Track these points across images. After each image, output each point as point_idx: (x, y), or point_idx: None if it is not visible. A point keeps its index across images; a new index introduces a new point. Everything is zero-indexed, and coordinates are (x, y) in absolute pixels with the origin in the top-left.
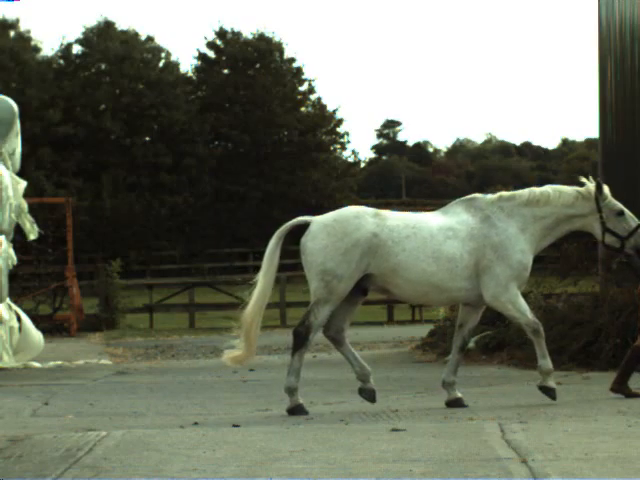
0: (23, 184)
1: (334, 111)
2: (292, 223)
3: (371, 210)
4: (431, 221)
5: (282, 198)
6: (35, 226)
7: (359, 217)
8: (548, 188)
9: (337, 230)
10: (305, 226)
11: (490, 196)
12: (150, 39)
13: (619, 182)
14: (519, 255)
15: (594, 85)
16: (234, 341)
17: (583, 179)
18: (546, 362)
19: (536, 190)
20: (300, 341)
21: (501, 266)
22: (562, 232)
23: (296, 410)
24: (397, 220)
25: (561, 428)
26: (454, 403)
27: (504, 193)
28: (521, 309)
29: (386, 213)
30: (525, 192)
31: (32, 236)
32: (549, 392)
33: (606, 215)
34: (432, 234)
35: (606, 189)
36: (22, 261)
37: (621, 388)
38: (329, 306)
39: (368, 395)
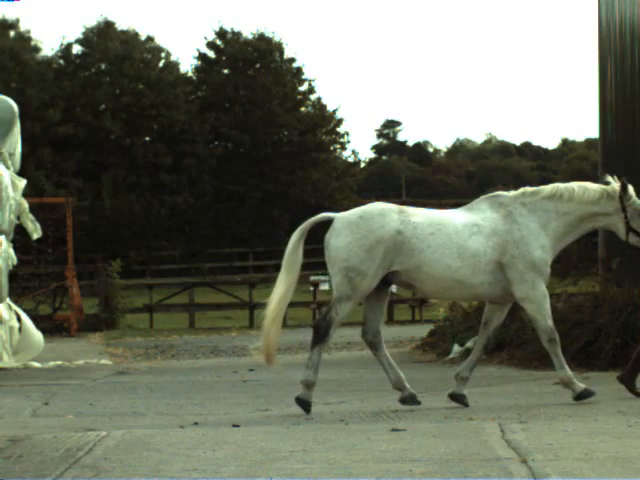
0: (23, 182)
1: (334, 111)
2: (315, 219)
3: (395, 207)
4: (456, 218)
5: (282, 198)
6: (37, 225)
7: (384, 214)
8: (573, 184)
9: (361, 227)
10: (328, 222)
11: (513, 192)
12: (150, 39)
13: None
14: (539, 251)
15: (594, 85)
16: (258, 343)
17: (609, 178)
18: (564, 372)
19: (560, 185)
20: (320, 335)
21: (523, 262)
22: (585, 230)
23: (303, 403)
24: (421, 217)
25: (561, 428)
26: (457, 398)
27: (528, 188)
28: (543, 312)
29: (410, 210)
30: (549, 187)
31: (35, 235)
32: (586, 395)
33: (630, 215)
34: (457, 230)
35: (631, 189)
36: (22, 261)
37: (628, 383)
38: (351, 303)
39: (411, 401)
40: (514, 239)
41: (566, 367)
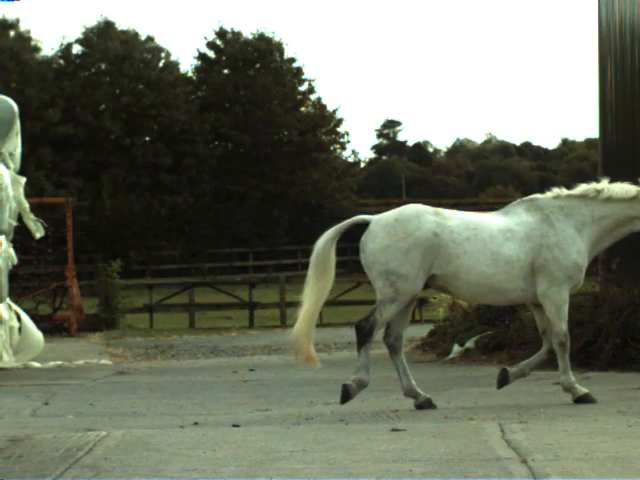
0: (23, 180)
1: (334, 111)
2: (350, 222)
3: (431, 209)
4: (491, 222)
5: (282, 198)
6: (39, 224)
7: (419, 216)
8: (613, 187)
9: (398, 230)
10: (362, 225)
11: (550, 194)
12: (150, 39)
13: (619, 182)
14: (574, 256)
15: (594, 85)
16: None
17: None
18: (567, 377)
19: (597, 186)
20: (363, 335)
21: (556, 266)
22: (622, 234)
23: (346, 394)
24: (457, 220)
25: (561, 428)
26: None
27: (564, 191)
28: (561, 316)
29: (446, 212)
30: (581, 187)
31: (38, 235)
32: (587, 400)
33: None
34: (492, 235)
35: None
36: (22, 261)
37: None
38: (396, 305)
39: (427, 405)
40: (549, 243)
41: (570, 373)
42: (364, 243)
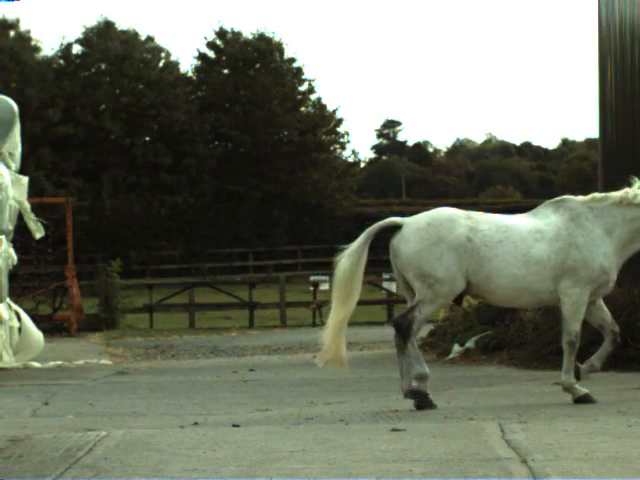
0: (25, 179)
1: (334, 111)
2: (382, 224)
3: (463, 212)
4: (521, 224)
5: (282, 198)
6: (40, 224)
7: (452, 220)
8: None
9: (430, 234)
10: (394, 227)
11: (581, 197)
12: (150, 39)
13: (619, 182)
14: (601, 258)
15: (594, 85)
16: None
17: None
18: (568, 377)
19: (630, 191)
20: (403, 330)
21: (583, 267)
22: None
23: (419, 394)
24: (489, 224)
25: (561, 428)
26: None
27: (597, 194)
28: (576, 316)
29: (477, 216)
30: (618, 193)
31: (38, 235)
32: (586, 400)
33: None
34: (522, 237)
35: None
36: (22, 261)
37: None
38: (434, 306)
39: (427, 405)
40: (577, 244)
41: (572, 373)
42: (397, 247)
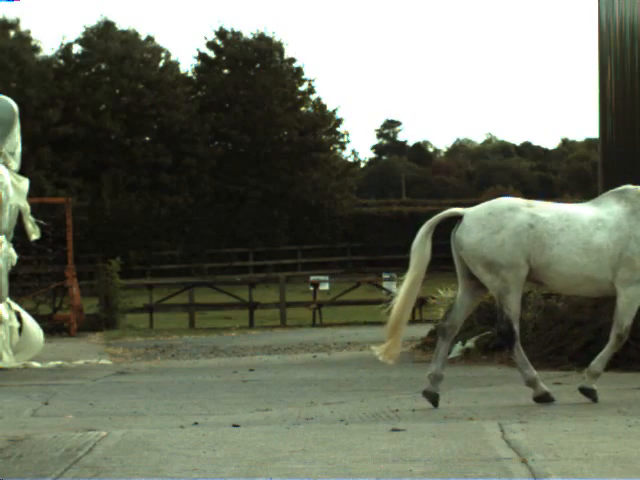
0: (25, 181)
1: (334, 111)
2: (444, 215)
3: (523, 201)
4: (582, 213)
5: (282, 198)
6: (37, 227)
7: (513, 208)
8: None
9: (492, 223)
10: (454, 218)
11: None
12: (150, 39)
13: (619, 182)
14: None
15: (594, 85)
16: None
17: None
18: (599, 366)
19: None
20: (508, 336)
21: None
22: None
23: (543, 398)
24: (550, 212)
25: (561, 428)
26: None
27: None
28: (631, 310)
29: (539, 204)
30: None
31: (34, 236)
32: (590, 394)
33: None
34: (583, 226)
35: None
36: (22, 261)
37: None
38: (512, 294)
39: (432, 399)
40: (637, 236)
41: (604, 364)
42: (459, 238)
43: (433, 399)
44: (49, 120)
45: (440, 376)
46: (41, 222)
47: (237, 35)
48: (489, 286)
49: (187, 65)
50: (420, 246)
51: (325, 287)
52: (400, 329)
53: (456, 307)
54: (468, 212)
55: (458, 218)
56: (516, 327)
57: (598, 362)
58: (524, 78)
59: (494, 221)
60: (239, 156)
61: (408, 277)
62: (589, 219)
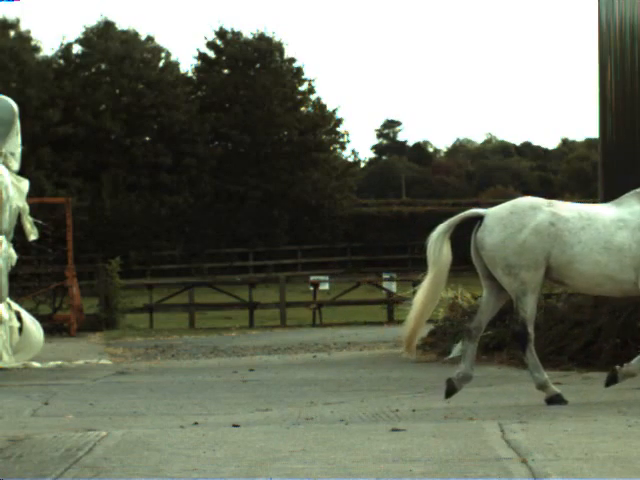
0: (25, 182)
1: (334, 111)
2: (464, 215)
3: (544, 200)
4: (604, 212)
5: (282, 198)
6: (35, 228)
7: (534, 207)
8: None
9: (514, 222)
10: (475, 218)
11: None
12: (150, 39)
13: (619, 182)
14: None
15: (594, 85)
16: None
17: None
18: (636, 367)
19: None
20: (523, 337)
21: None
22: None
23: (555, 399)
24: (572, 211)
25: (561, 428)
26: None
27: None
28: None
29: (560, 204)
30: None
31: (32, 237)
32: (612, 380)
33: None
34: (605, 225)
35: None
36: (22, 261)
37: None
38: (529, 296)
39: (450, 389)
40: None
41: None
42: (481, 239)
43: (450, 391)
44: (49, 120)
45: (469, 376)
46: (40, 222)
47: (237, 35)
48: (507, 288)
49: (187, 65)
50: (437, 243)
51: (325, 287)
52: (420, 327)
53: (481, 309)
54: (489, 212)
55: (477, 219)
56: (530, 329)
57: (638, 362)
58: (524, 78)
59: (516, 220)
60: (239, 156)
61: (428, 276)
62: (610, 219)
